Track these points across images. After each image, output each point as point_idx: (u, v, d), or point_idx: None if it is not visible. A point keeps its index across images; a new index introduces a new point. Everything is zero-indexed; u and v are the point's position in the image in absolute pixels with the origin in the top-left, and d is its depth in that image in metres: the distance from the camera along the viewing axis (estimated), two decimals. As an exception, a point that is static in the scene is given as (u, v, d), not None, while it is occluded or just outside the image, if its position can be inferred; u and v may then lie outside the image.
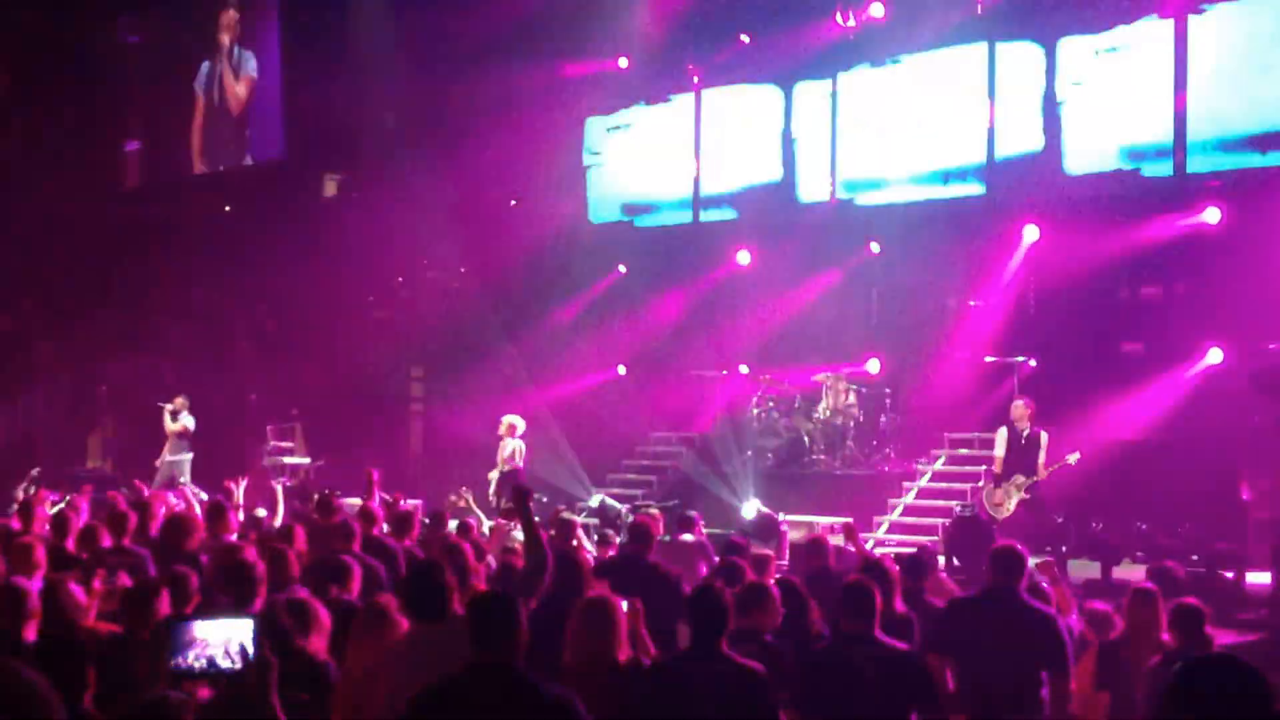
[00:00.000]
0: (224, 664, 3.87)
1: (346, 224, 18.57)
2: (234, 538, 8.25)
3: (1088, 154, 14.10)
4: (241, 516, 9.25)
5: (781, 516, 12.54)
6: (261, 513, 9.88)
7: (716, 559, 8.12)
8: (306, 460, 17.57)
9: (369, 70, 17.76)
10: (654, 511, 9.55)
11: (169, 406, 16.07)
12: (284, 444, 17.93)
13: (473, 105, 17.34)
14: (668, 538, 9.12)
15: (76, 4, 20.28)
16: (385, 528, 9.06)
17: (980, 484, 12.97)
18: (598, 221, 18.19)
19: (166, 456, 15.88)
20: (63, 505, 10.37)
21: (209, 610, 5.48)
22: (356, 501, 12.81)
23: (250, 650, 3.83)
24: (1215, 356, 12.81)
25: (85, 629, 5.40)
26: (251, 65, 19.97)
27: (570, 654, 4.99)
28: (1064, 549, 11.28)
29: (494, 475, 14.15)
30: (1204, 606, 5.76)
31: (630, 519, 10.40)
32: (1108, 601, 6.93)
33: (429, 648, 4.59)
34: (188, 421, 16.05)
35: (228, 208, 20.61)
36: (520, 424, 14.28)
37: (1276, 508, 10.84)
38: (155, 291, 20.35)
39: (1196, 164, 13.40)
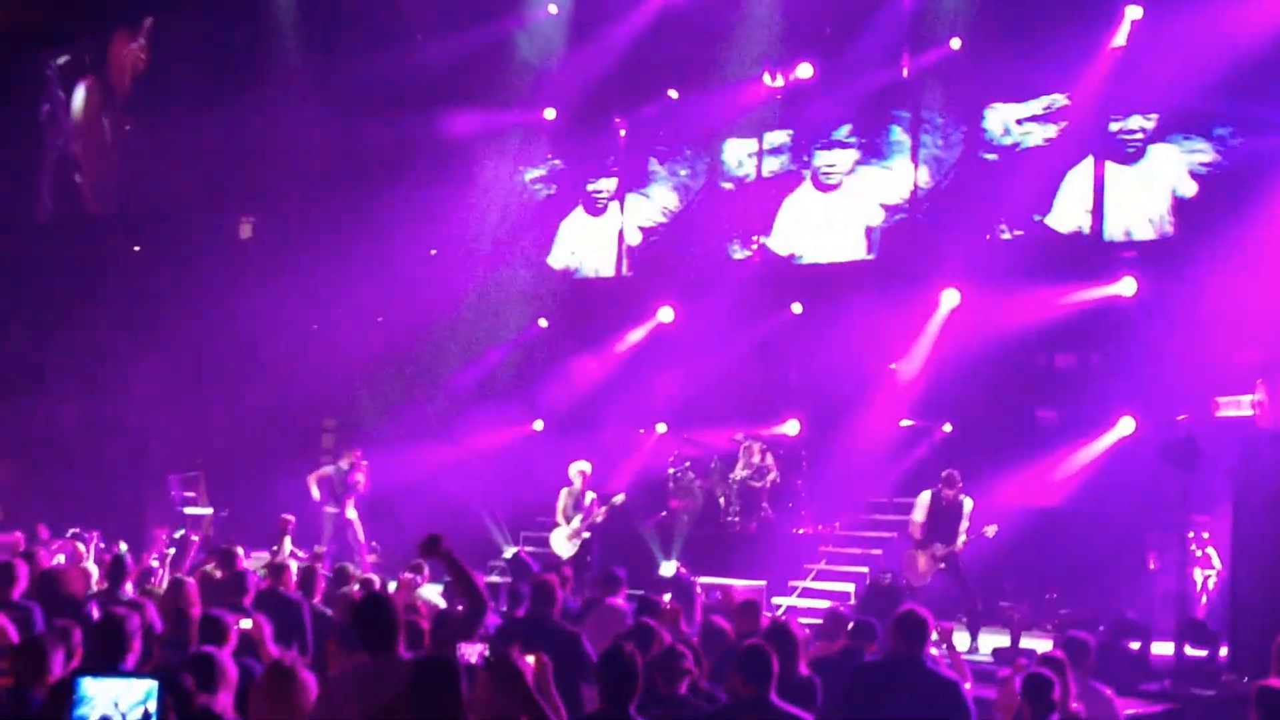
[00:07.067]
0: None
1: (260, 268, 18.20)
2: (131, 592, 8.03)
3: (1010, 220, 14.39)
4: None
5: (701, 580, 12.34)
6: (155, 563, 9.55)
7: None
8: (209, 511, 17.02)
9: (285, 111, 17.55)
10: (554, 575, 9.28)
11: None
12: (187, 494, 17.34)
13: (393, 151, 17.19)
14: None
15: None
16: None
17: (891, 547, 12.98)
18: (520, 274, 18.07)
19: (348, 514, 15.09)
20: None
21: (94, 667, 5.22)
22: (264, 556, 12.46)
23: (153, 711, 3.80)
24: (1127, 426, 13.01)
25: None
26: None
27: None
28: (975, 616, 11.30)
29: (584, 532, 13.70)
30: (1055, 677, 5.69)
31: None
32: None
33: (373, 680, 4.64)
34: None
35: (136, 248, 20.14)
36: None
37: (1182, 579, 10.97)
38: (55, 331, 19.71)
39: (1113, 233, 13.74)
